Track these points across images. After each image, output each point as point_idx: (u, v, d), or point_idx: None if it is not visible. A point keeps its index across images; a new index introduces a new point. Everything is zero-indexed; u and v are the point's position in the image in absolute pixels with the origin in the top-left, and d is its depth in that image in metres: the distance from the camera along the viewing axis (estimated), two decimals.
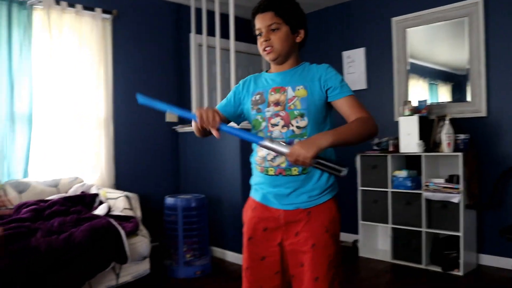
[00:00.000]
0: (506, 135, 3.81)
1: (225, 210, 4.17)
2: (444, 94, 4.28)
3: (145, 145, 4.51)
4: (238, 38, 4.53)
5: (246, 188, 3.99)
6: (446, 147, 3.75)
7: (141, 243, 3.27)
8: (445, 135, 3.75)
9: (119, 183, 4.24)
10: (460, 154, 3.68)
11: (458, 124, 3.92)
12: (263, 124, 1.70)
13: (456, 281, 3.56)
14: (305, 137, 1.64)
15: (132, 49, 4.42)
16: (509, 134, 3.79)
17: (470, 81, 3.99)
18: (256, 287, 1.74)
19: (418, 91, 4.38)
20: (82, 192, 3.69)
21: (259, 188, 1.75)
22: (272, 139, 1.57)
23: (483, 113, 3.90)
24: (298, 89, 1.67)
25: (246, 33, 5.25)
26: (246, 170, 4.03)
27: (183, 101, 4.78)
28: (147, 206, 4.23)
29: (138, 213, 3.58)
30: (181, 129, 4.63)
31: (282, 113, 1.67)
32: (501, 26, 3.81)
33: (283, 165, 1.65)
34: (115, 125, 4.27)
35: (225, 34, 4.47)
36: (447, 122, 3.77)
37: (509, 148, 3.80)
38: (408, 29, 4.37)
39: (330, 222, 1.68)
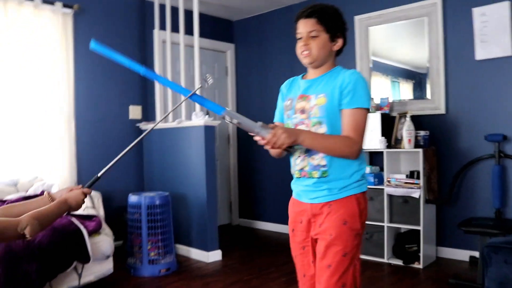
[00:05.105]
0: (464, 132, 3.93)
1: (190, 207, 4.14)
2: (406, 91, 4.38)
3: (108, 142, 4.43)
4: (202, 34, 4.50)
5: (210, 185, 4.02)
6: (407, 143, 3.84)
7: (104, 242, 3.22)
8: (406, 131, 3.84)
9: (81, 182, 4.14)
10: (420, 150, 3.78)
11: (419, 121, 4.02)
12: None
13: (417, 273, 3.65)
14: None
15: None
16: (467, 131, 3.92)
17: (430, 79, 4.10)
18: (301, 274, 1.88)
19: (381, 88, 4.47)
20: (43, 191, 3.59)
21: (294, 187, 1.88)
22: (235, 115, 1.63)
23: (442, 110, 4.02)
24: (319, 97, 1.73)
25: (210, 29, 5.28)
26: (210, 167, 4.02)
27: (147, 98, 4.72)
28: (111, 205, 4.16)
29: (100, 212, 3.53)
30: (144, 126, 4.56)
31: (307, 121, 1.74)
32: (459, 26, 3.92)
33: (306, 169, 1.76)
34: (77, 122, 4.17)
35: (189, 31, 4.43)
36: (408, 119, 3.86)
37: (466, 145, 3.92)
38: (370, 28, 4.45)
39: (350, 216, 1.71)
